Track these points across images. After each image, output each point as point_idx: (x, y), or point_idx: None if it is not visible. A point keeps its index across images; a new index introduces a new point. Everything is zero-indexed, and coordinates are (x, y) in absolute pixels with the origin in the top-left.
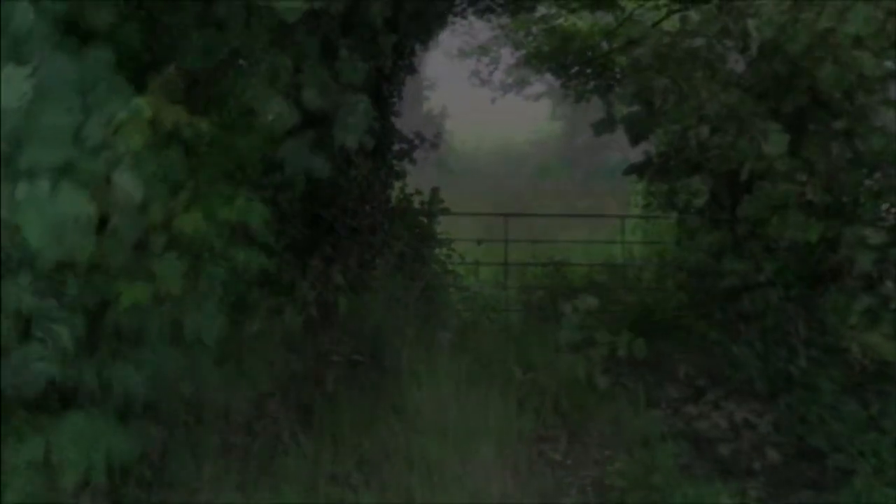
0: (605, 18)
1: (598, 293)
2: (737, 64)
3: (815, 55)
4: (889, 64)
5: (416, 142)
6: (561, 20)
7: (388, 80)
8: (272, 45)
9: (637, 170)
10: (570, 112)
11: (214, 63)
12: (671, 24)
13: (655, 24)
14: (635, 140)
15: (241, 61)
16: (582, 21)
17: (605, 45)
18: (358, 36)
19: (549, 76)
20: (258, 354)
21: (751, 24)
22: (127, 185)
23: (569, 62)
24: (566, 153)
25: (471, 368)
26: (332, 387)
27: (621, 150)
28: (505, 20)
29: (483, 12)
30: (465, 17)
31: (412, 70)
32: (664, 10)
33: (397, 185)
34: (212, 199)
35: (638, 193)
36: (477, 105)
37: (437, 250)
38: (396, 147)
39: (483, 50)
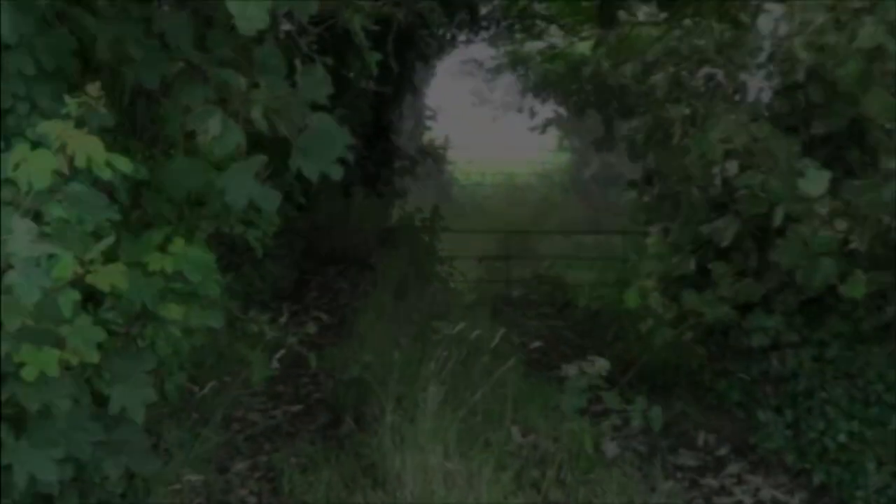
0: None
1: (603, 340)
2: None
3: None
4: None
5: (419, 157)
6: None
7: (387, 99)
8: (229, 63)
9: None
10: (578, 143)
11: (157, 80)
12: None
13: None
14: (636, 157)
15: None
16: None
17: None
18: (338, 53)
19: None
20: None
21: (797, 43)
22: (24, 232)
23: (576, 88)
24: (576, 186)
25: (461, 429)
26: (304, 449)
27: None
28: (511, 46)
29: (490, 39)
30: (470, 42)
31: (413, 90)
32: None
33: (398, 203)
34: (139, 248)
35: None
36: (481, 136)
37: (437, 267)
38: (398, 165)
39: (483, 67)
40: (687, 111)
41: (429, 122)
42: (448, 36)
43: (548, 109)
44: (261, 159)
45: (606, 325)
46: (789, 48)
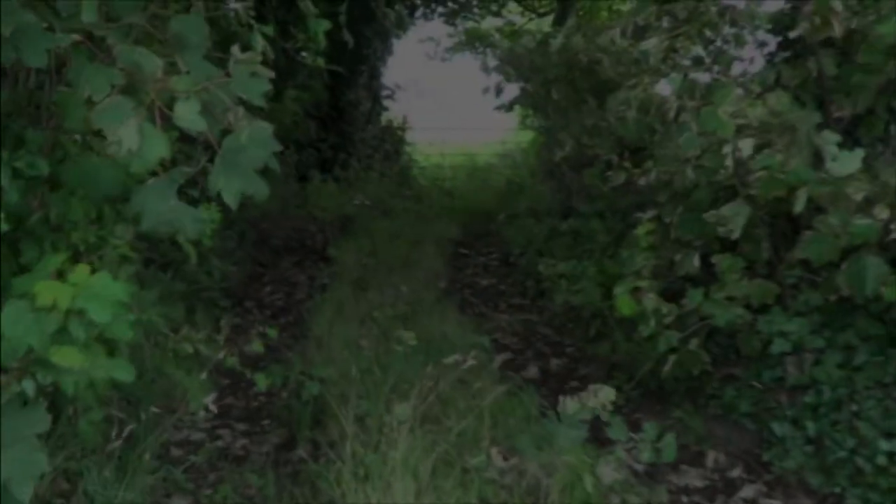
0: None
1: (584, 337)
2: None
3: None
4: None
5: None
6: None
7: (343, 79)
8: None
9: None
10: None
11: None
12: None
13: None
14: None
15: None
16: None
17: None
18: (280, 23)
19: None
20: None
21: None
22: None
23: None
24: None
25: (435, 454)
26: (253, 481)
27: None
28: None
29: (449, 16)
30: (427, 20)
31: (370, 68)
32: None
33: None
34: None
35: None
36: (442, 117)
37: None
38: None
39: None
40: (685, 82)
41: (386, 103)
42: (404, 11)
43: (512, 88)
44: (183, 172)
45: (588, 320)
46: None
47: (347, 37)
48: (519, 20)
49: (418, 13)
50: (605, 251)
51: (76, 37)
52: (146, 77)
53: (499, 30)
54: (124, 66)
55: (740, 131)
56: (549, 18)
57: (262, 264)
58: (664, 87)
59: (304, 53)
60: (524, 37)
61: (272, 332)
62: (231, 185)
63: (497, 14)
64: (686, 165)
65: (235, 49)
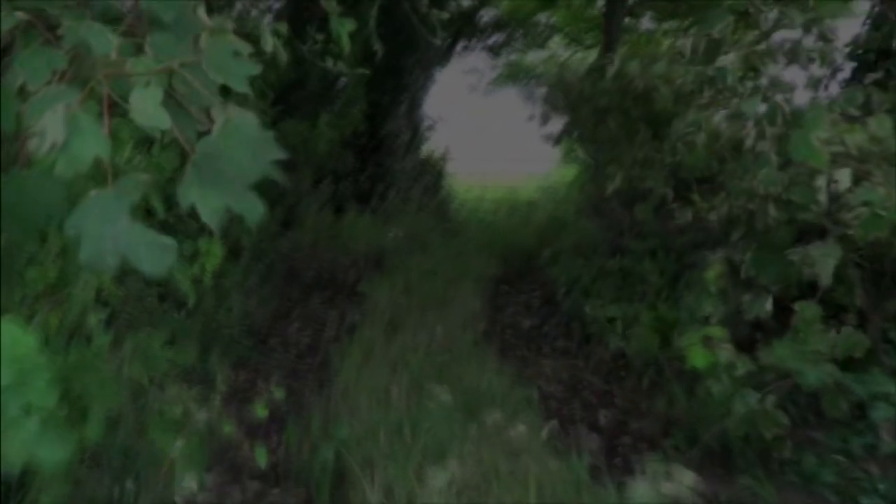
0: None
1: (637, 389)
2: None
3: None
4: None
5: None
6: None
7: (383, 108)
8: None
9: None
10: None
11: None
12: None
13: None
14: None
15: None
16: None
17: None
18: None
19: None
20: None
21: None
22: None
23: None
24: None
25: None
26: None
27: None
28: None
29: (493, 48)
30: (469, 50)
31: (411, 98)
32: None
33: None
34: None
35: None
36: (483, 149)
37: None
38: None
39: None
40: (764, 106)
41: (427, 134)
42: (447, 42)
43: (558, 120)
44: (137, 184)
45: (640, 370)
46: None
47: (377, 44)
48: (563, 53)
49: (461, 44)
50: (658, 294)
51: (23, 15)
52: (96, 60)
53: (544, 63)
54: (71, 46)
55: (835, 161)
56: (594, 52)
57: (290, 300)
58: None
59: (332, 61)
60: (574, 64)
61: (279, 394)
62: (208, 200)
63: (542, 47)
64: (767, 201)
65: (201, 11)
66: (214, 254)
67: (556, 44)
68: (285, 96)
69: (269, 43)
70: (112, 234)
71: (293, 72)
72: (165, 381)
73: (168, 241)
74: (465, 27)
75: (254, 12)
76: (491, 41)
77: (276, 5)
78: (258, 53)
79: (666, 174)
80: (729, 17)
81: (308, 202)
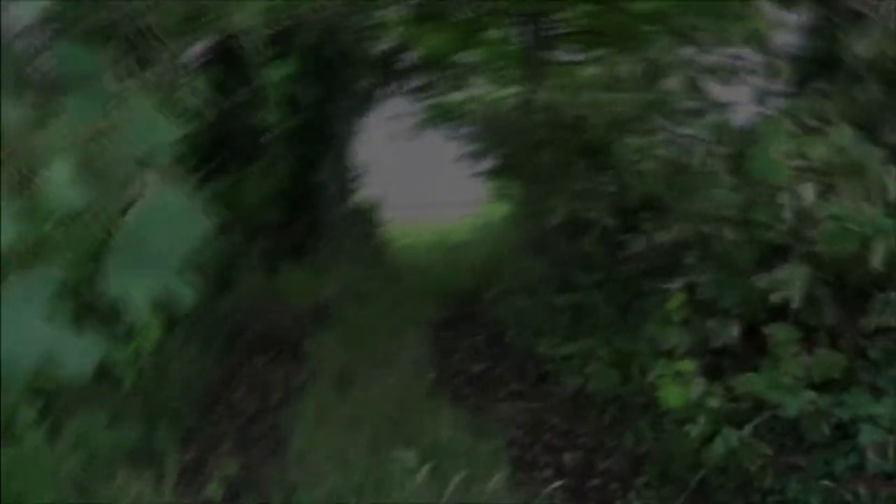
0: None
1: (598, 426)
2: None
3: None
4: None
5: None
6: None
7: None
8: None
9: None
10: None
11: None
12: None
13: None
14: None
15: None
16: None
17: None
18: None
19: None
20: None
21: None
22: None
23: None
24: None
25: None
26: None
27: None
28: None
29: (416, 91)
30: (390, 96)
31: (338, 147)
32: None
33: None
34: None
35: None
36: (413, 194)
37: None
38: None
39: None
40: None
41: (357, 182)
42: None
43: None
44: (52, 278)
45: (602, 406)
46: None
47: (302, 92)
48: (485, 91)
49: (382, 90)
50: (610, 326)
51: None
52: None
53: (464, 103)
54: None
55: (796, 175)
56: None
57: (232, 364)
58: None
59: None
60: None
61: (230, 469)
62: (132, 289)
63: (463, 87)
64: (722, 223)
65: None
66: (151, 332)
67: (478, 83)
68: (209, 156)
69: (191, 101)
70: (29, 334)
71: (216, 129)
72: (111, 466)
73: (91, 341)
74: (386, 72)
75: (172, 69)
76: (412, 84)
77: (196, 61)
78: (179, 114)
79: (607, 203)
80: (667, 39)
81: (241, 261)
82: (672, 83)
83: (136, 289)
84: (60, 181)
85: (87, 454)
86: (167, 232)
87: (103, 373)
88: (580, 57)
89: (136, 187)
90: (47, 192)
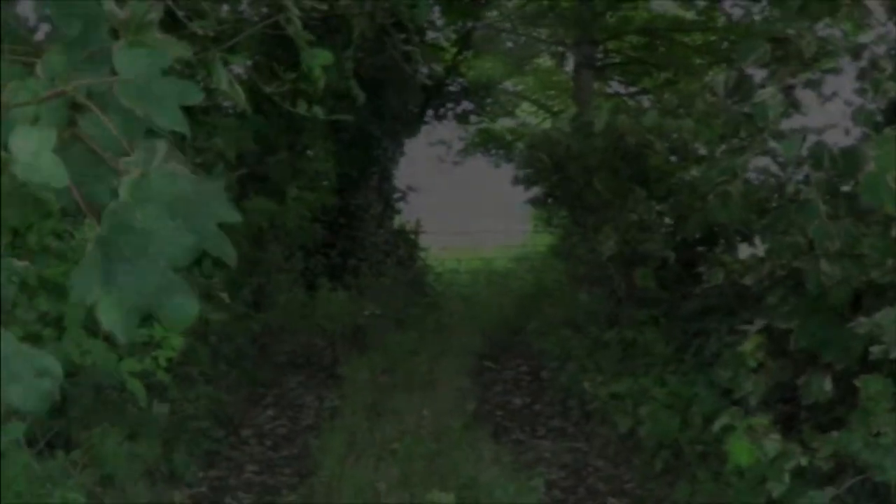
0: None
1: (648, 473)
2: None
3: None
4: None
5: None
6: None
7: (353, 181)
8: None
9: None
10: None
11: None
12: None
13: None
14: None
15: None
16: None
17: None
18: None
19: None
20: None
21: None
22: None
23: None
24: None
25: None
26: None
27: None
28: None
29: (461, 117)
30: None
31: (381, 170)
32: None
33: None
34: None
35: None
36: (457, 220)
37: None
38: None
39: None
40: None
41: (398, 206)
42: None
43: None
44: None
45: (652, 452)
46: None
47: (357, 91)
48: (533, 121)
49: (429, 113)
50: (667, 366)
51: None
52: None
53: (512, 130)
54: None
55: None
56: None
57: (263, 384)
58: None
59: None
60: (560, 120)
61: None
62: (117, 299)
63: (510, 114)
64: (819, 258)
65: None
66: (170, 344)
67: (524, 111)
68: (251, 170)
69: (222, 79)
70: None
71: (258, 142)
72: (125, 481)
73: (49, 363)
74: (434, 95)
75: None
76: (459, 109)
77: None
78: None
79: (666, 235)
80: (765, 47)
81: (278, 279)
82: (769, 94)
83: (115, 302)
84: (37, 148)
85: (101, 471)
86: (166, 223)
87: (120, 387)
88: (633, 88)
89: (133, 159)
90: (22, 166)
